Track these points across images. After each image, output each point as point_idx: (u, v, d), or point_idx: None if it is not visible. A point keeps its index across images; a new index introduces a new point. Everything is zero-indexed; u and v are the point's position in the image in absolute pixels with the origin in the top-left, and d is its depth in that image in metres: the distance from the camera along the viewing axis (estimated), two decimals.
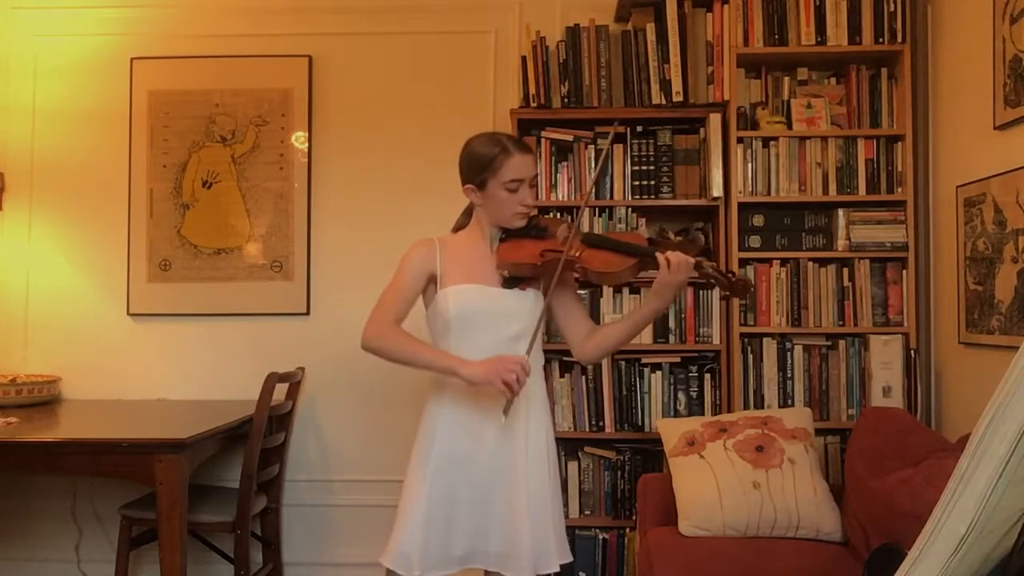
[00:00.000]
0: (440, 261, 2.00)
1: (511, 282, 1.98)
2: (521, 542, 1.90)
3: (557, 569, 1.95)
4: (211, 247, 3.35)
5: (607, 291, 2.97)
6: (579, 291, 2.59)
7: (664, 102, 2.98)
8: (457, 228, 2.14)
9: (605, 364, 2.97)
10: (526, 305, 1.97)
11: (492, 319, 1.95)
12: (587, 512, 3.02)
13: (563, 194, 3.04)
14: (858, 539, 2.31)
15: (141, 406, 3.19)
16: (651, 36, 2.99)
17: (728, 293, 1.87)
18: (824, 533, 2.41)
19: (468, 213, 2.12)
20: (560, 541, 1.98)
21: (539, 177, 3.03)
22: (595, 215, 3.00)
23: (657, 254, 1.86)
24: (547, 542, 1.93)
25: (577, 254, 1.92)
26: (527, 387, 1.91)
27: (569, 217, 3.01)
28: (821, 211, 2.93)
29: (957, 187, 2.67)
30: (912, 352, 2.83)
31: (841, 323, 2.90)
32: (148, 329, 3.37)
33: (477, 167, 1.97)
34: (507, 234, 2.02)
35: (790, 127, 2.95)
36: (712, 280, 1.87)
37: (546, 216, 2.15)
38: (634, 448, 3.01)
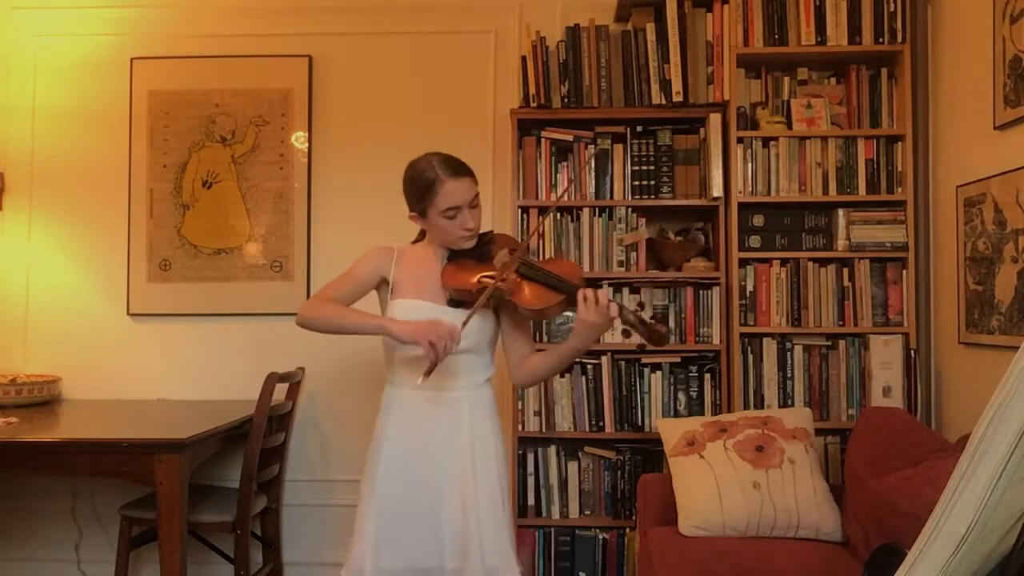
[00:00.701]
0: (395, 270, 2.04)
1: (457, 303, 1.99)
2: (473, 556, 1.92)
3: None
4: (211, 247, 3.35)
5: None
6: None
7: (664, 102, 2.98)
8: (416, 240, 2.18)
9: (605, 364, 2.97)
10: (471, 325, 1.94)
11: None
12: (587, 512, 3.02)
13: (563, 194, 3.03)
14: (858, 539, 2.31)
15: (141, 406, 3.19)
16: (651, 36, 2.99)
17: (645, 342, 1.87)
18: (824, 533, 2.41)
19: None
20: (509, 557, 1.97)
21: (544, 178, 3.03)
22: (595, 215, 3.00)
23: (579, 292, 1.85)
24: (502, 556, 1.94)
25: (507, 287, 1.92)
26: (471, 395, 1.98)
27: (568, 217, 3.01)
28: (821, 211, 2.93)
29: (957, 187, 2.67)
30: (912, 352, 2.83)
31: (841, 323, 2.90)
32: (148, 329, 3.37)
33: (415, 196, 1.97)
34: (453, 254, 2.04)
35: (790, 127, 2.95)
36: (630, 327, 1.86)
37: (500, 234, 2.13)
38: (634, 448, 3.01)
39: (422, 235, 2.15)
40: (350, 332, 1.97)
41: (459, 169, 1.95)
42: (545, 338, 2.99)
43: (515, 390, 2.96)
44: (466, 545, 1.93)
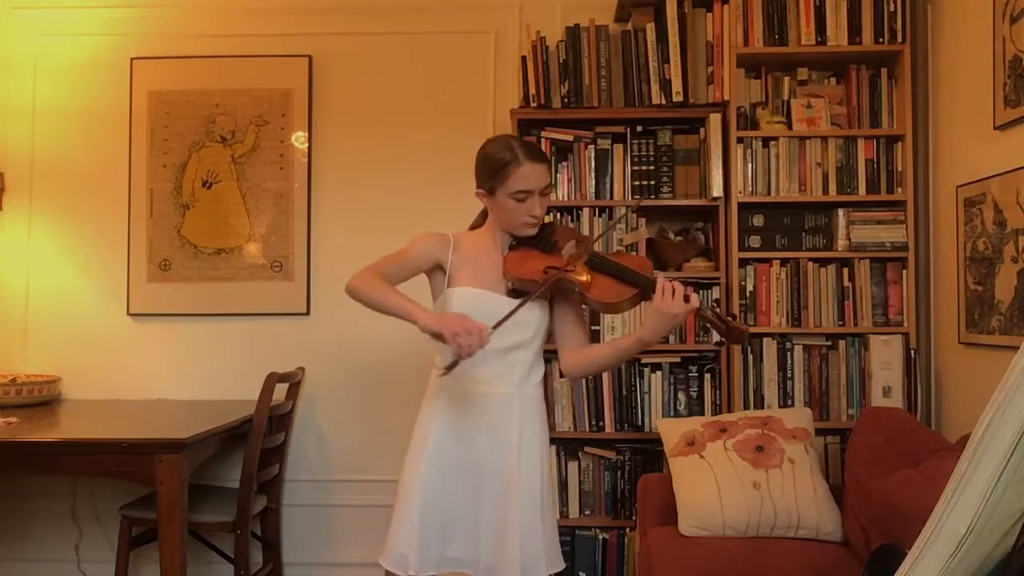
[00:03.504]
0: (453, 257, 1.98)
1: (517, 292, 1.95)
2: (510, 553, 1.90)
3: None
4: (211, 247, 3.35)
5: None
6: None
7: (664, 102, 2.98)
8: (474, 226, 2.13)
9: None
10: (530, 316, 1.94)
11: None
12: (587, 512, 3.02)
13: (563, 194, 3.04)
14: (858, 539, 2.31)
15: (141, 406, 3.19)
16: (651, 36, 2.99)
17: (724, 339, 1.82)
18: (824, 533, 2.41)
19: (485, 213, 2.09)
20: (551, 552, 1.96)
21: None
22: (595, 215, 3.00)
23: (658, 282, 1.81)
24: (536, 554, 1.92)
25: (578, 277, 1.89)
26: (522, 394, 1.94)
27: (568, 217, 3.01)
28: (821, 211, 2.93)
29: (957, 187, 2.67)
30: (912, 352, 2.83)
31: (841, 323, 2.90)
32: (148, 329, 3.37)
33: (487, 173, 1.94)
34: (517, 242, 2.00)
35: (790, 127, 2.95)
36: (709, 323, 1.82)
37: (562, 226, 2.08)
38: (634, 448, 3.01)
39: (480, 221, 2.10)
40: (384, 311, 1.89)
41: (537, 154, 1.93)
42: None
43: None
44: (503, 541, 1.91)
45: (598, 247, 2.37)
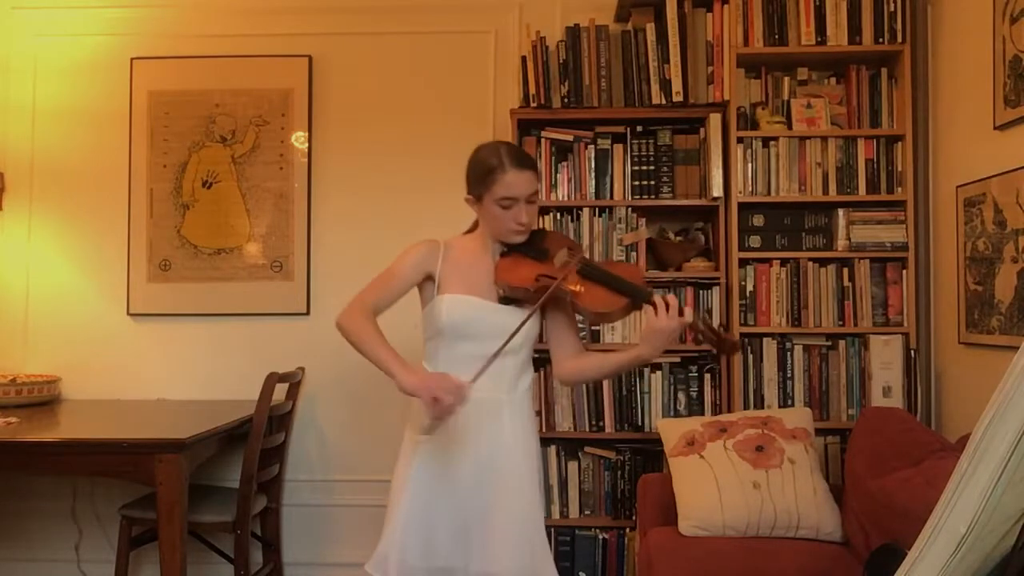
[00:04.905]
0: (442, 265, 1.97)
1: (508, 299, 1.94)
2: (499, 562, 1.88)
3: None
4: (211, 247, 3.35)
5: None
6: None
7: (664, 102, 2.98)
8: (468, 231, 2.11)
9: None
10: (518, 325, 1.91)
11: (483, 333, 1.90)
12: (587, 512, 3.02)
13: (563, 194, 3.04)
14: (858, 539, 2.31)
15: (141, 406, 3.19)
16: (651, 36, 2.99)
17: (716, 351, 1.83)
18: (824, 533, 2.41)
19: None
20: (542, 560, 1.94)
21: (544, 178, 3.03)
22: (595, 215, 3.00)
23: (655, 297, 1.79)
24: (527, 563, 1.91)
25: (570, 287, 1.88)
26: (512, 400, 1.94)
27: (568, 217, 3.01)
28: (821, 211, 2.93)
29: (957, 187, 2.67)
30: (912, 352, 2.83)
31: (841, 323, 2.90)
32: (148, 329, 3.37)
33: (475, 179, 1.94)
34: (508, 248, 1.98)
35: (790, 127, 2.95)
36: (701, 335, 1.82)
37: (553, 232, 2.06)
38: (634, 448, 3.01)
39: (473, 227, 2.09)
40: (368, 359, 1.89)
41: (524, 161, 1.92)
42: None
43: None
44: (493, 550, 1.90)
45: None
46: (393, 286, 1.96)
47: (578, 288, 1.88)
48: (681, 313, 1.77)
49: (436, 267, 1.97)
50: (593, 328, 2.96)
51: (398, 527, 1.92)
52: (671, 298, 1.78)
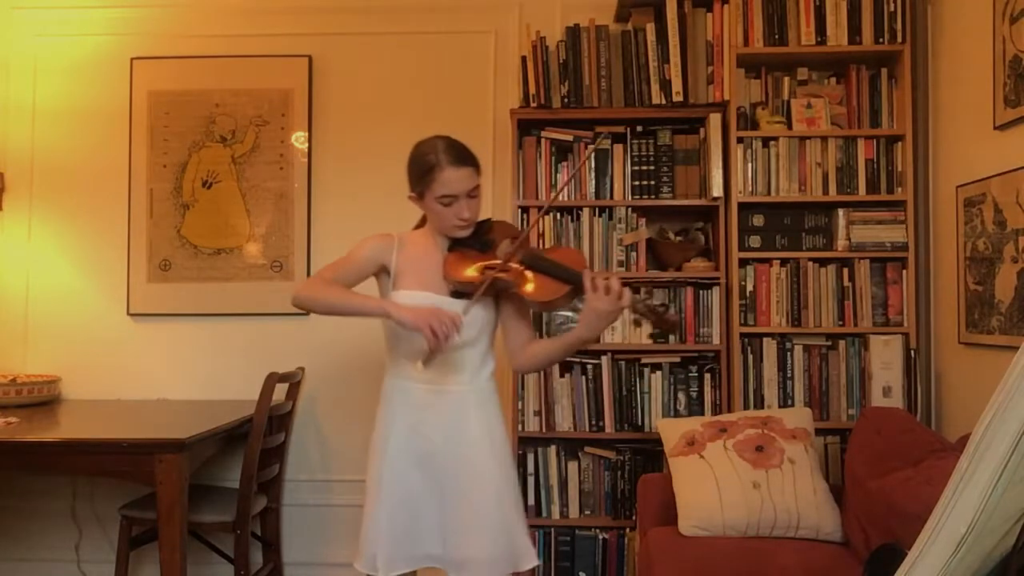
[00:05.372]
0: (397, 258, 1.99)
1: (459, 293, 1.95)
2: (476, 548, 1.92)
3: (517, 569, 1.97)
4: (211, 247, 3.35)
5: None
6: None
7: (664, 102, 2.98)
8: (418, 226, 2.13)
9: (605, 364, 2.97)
10: (474, 316, 1.93)
11: None
12: (587, 512, 3.02)
13: (563, 194, 3.04)
14: (858, 539, 2.31)
15: (141, 406, 3.19)
16: (651, 36, 2.99)
17: (656, 329, 1.83)
18: (824, 533, 2.41)
19: None
20: (520, 545, 1.97)
21: (544, 178, 3.03)
22: (595, 215, 3.00)
23: (586, 280, 1.79)
24: (503, 549, 1.94)
25: (512, 277, 1.89)
26: (475, 389, 1.97)
27: (568, 217, 3.01)
28: (821, 211, 2.93)
29: (957, 187, 2.67)
30: (912, 352, 2.83)
31: (841, 323, 2.90)
32: (148, 329, 3.37)
33: (415, 177, 1.94)
34: (454, 242, 2.00)
35: (790, 127, 2.95)
36: (640, 316, 1.82)
37: (499, 222, 2.07)
38: (634, 448, 3.01)
39: (422, 221, 2.11)
40: (349, 314, 1.91)
41: (461, 158, 1.91)
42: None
43: (515, 390, 2.96)
44: (469, 536, 1.93)
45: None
46: (349, 269, 1.98)
47: (521, 278, 1.90)
48: (620, 296, 1.77)
49: (391, 260, 1.99)
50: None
51: (380, 522, 1.95)
52: (613, 280, 1.78)
